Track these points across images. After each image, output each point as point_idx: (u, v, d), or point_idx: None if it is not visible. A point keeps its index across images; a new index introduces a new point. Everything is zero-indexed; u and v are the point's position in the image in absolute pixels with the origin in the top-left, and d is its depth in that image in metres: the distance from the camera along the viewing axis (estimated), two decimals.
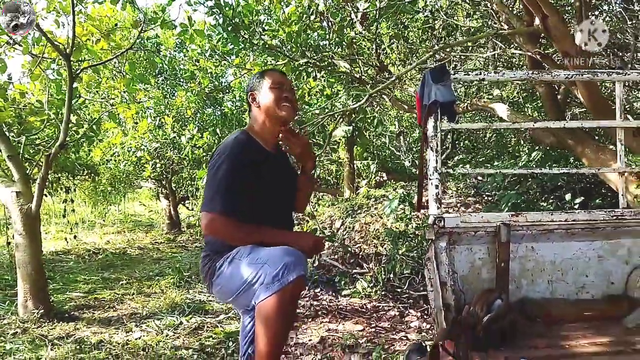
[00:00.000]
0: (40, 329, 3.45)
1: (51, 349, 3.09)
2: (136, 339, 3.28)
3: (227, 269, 1.75)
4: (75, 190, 7.32)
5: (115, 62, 4.99)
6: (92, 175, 7.01)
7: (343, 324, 3.63)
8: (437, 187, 1.71)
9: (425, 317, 3.78)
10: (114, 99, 6.48)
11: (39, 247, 3.76)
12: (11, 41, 3.72)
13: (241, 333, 2.01)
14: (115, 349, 3.09)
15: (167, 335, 3.35)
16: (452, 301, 1.57)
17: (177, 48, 8.82)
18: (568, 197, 4.73)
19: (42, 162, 3.72)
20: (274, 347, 1.58)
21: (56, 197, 7.38)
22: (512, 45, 4.68)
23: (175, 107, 7.69)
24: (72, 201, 6.52)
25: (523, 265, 1.83)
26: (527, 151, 6.53)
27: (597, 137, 5.02)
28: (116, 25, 4.44)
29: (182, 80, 8.01)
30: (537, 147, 6.18)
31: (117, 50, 4.15)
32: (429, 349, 1.55)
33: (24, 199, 3.69)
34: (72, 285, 4.79)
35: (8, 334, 3.35)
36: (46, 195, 6.57)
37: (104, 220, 9.56)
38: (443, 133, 8.34)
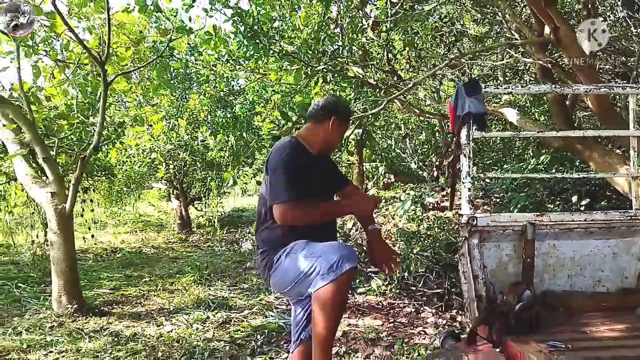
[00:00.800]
0: (75, 323, 3.63)
1: (89, 341, 3.27)
2: (168, 332, 3.46)
3: (284, 262, 1.95)
4: (93, 191, 7.49)
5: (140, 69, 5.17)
6: (109, 176, 7.19)
7: (363, 320, 3.81)
8: (469, 189, 1.90)
9: (440, 313, 3.95)
10: (129, 102, 6.67)
11: (72, 245, 3.93)
12: (48, 49, 3.89)
13: (293, 321, 2.19)
14: (150, 341, 3.27)
15: (197, 329, 3.53)
16: (483, 292, 1.76)
17: (189, 52, 8.99)
18: (574, 199, 4.91)
19: (74, 165, 3.89)
20: (330, 330, 1.78)
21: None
22: (519, 52, 4.86)
23: (188, 110, 7.87)
24: (92, 201, 6.69)
25: (545, 261, 2.02)
26: (532, 154, 6.72)
27: (601, 141, 5.20)
28: (141, 33, 4.63)
29: (195, 83, 8.19)
30: (544, 151, 6.37)
31: (141, 58, 4.34)
32: (461, 336, 1.73)
33: (58, 199, 3.86)
34: (97, 283, 4.96)
35: (46, 327, 3.53)
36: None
37: (118, 221, 9.74)
38: (451, 136, 8.53)
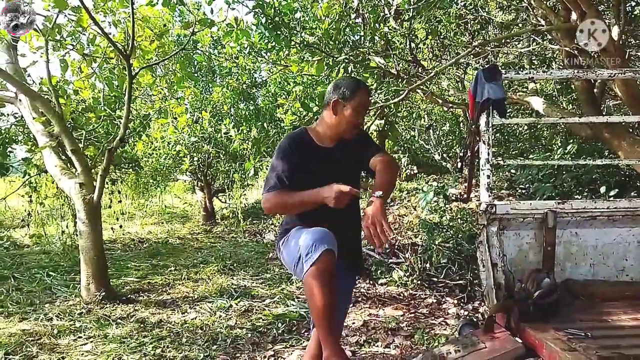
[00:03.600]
0: (103, 310, 3.74)
1: (116, 328, 3.37)
2: (193, 319, 3.54)
3: (285, 248, 2.03)
4: (122, 182, 7.67)
5: (164, 62, 5.25)
6: (136, 168, 7.34)
7: (383, 310, 3.81)
8: (488, 177, 1.87)
9: (462, 304, 3.92)
10: (155, 95, 6.78)
11: (100, 234, 4.04)
12: (75, 44, 3.98)
13: None
14: (175, 328, 3.35)
15: (220, 317, 3.60)
16: (502, 280, 1.74)
17: (212, 45, 9.07)
18: (603, 189, 4.79)
19: (102, 157, 4.00)
20: (319, 311, 1.74)
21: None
22: (546, 39, 4.74)
23: (212, 103, 7.95)
24: (120, 192, 6.85)
25: (567, 250, 1.98)
26: (559, 144, 6.56)
27: (632, 131, 5.05)
28: (164, 26, 4.69)
29: (218, 76, 8.26)
30: (571, 140, 6.21)
31: (166, 51, 4.41)
32: (480, 324, 1.72)
33: (87, 189, 3.98)
34: (124, 271, 5.09)
35: (75, 313, 3.65)
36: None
37: (145, 212, 9.95)
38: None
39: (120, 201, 7.04)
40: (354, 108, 2.02)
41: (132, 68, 3.72)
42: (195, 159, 8.31)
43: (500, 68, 1.89)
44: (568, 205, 1.90)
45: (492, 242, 1.82)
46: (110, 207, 7.31)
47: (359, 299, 4.11)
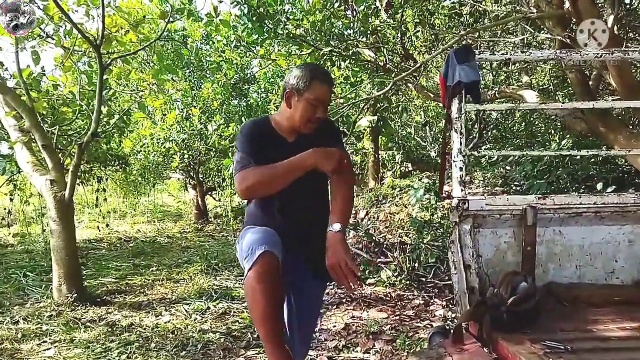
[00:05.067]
0: (74, 312, 3.58)
1: (84, 331, 3.21)
2: (165, 323, 3.37)
3: (238, 249, 1.81)
4: (107, 180, 7.51)
5: (144, 54, 5.08)
6: (123, 165, 7.18)
7: (367, 312, 3.65)
8: (461, 169, 1.69)
9: (450, 306, 3.76)
10: (142, 90, 6.60)
11: (72, 233, 3.88)
12: (44, 34, 3.82)
13: None
14: (145, 332, 3.19)
15: (195, 320, 3.43)
16: (476, 284, 1.56)
17: (203, 40, 8.90)
18: (599, 186, 4.60)
19: (74, 152, 3.83)
20: (256, 321, 1.59)
21: (89, 187, 7.61)
22: (541, 30, 4.55)
23: (202, 99, 7.79)
24: (105, 190, 6.69)
25: (550, 249, 1.79)
26: (557, 140, 6.38)
27: (628, 124, 4.87)
28: (144, 17, 4.51)
29: (208, 72, 8.10)
30: (567, 136, 6.02)
31: (145, 42, 4.23)
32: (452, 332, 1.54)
33: (58, 186, 3.81)
34: (104, 271, 4.93)
35: (44, 316, 3.49)
36: (79, 185, 6.79)
37: (134, 210, 9.80)
38: (470, 122, 8.22)
39: (105, 199, 6.86)
40: (308, 101, 1.78)
41: (102, 59, 3.55)
42: (186, 156, 8.16)
43: (473, 48, 1.71)
44: (550, 200, 1.71)
45: (465, 242, 1.64)
46: (96, 205, 7.16)
47: (343, 300, 3.95)
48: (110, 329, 3.24)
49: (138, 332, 3.18)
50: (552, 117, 6.77)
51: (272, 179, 1.70)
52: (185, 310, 3.62)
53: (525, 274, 1.57)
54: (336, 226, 1.69)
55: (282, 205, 1.79)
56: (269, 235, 1.62)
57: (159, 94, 6.71)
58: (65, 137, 4.96)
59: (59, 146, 4.61)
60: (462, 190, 1.70)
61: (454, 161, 1.70)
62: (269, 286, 1.54)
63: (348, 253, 1.63)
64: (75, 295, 3.75)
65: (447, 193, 5.88)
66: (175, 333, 3.16)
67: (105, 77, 3.89)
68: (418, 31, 5.89)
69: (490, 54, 1.85)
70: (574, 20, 3.66)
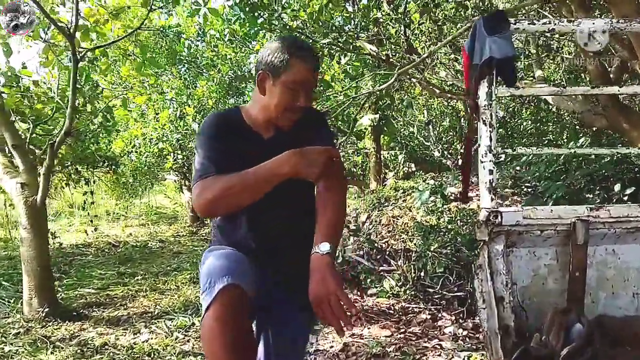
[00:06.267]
0: (44, 329, 3.25)
1: (52, 352, 2.88)
2: (143, 342, 3.03)
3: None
4: (95, 182, 7.17)
5: (129, 48, 4.74)
6: (113, 167, 6.84)
7: (369, 328, 3.30)
8: (491, 172, 1.31)
9: (460, 321, 3.42)
10: (131, 87, 6.28)
11: (45, 242, 3.54)
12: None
13: None
14: (119, 354, 2.85)
15: (176, 339, 3.09)
16: (511, 322, 1.19)
17: (198, 37, 8.59)
18: (617, 187, 4.25)
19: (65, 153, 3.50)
20: None
21: (79, 190, 7.28)
22: (559, 15, 4.20)
23: (197, 98, 7.46)
24: (92, 193, 6.36)
25: (601, 274, 1.42)
26: (564, 140, 6.02)
27: None
28: (129, 8, 4.19)
29: (203, 69, 7.78)
30: (580, 135, 5.67)
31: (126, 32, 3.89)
32: None
33: (30, 190, 3.48)
34: (86, 281, 4.60)
35: (10, 334, 3.16)
36: (67, 186, 6.46)
37: (126, 213, 9.47)
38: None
39: (92, 202, 6.52)
40: (286, 85, 1.40)
41: (77, 49, 3.21)
42: (180, 157, 7.86)
43: (506, 15, 1.32)
44: (605, 212, 1.33)
45: (496, 267, 1.27)
46: (84, 208, 6.83)
47: None
48: (80, 350, 2.90)
49: (111, 354, 2.84)
50: (566, 114, 6.41)
51: (239, 191, 1.32)
52: (167, 327, 3.27)
53: (579, 313, 1.21)
54: (323, 247, 1.28)
55: (252, 217, 1.44)
56: (235, 262, 1.27)
57: (150, 91, 6.37)
58: (50, 137, 4.63)
59: (41, 146, 4.29)
60: (492, 199, 1.32)
61: (481, 162, 1.32)
62: (231, 332, 1.18)
63: (340, 284, 1.22)
64: (47, 309, 3.41)
65: (454, 195, 5.54)
66: (152, 356, 2.81)
67: (89, 72, 3.57)
68: (422, 23, 5.55)
69: (529, 23, 1.46)
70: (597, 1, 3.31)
